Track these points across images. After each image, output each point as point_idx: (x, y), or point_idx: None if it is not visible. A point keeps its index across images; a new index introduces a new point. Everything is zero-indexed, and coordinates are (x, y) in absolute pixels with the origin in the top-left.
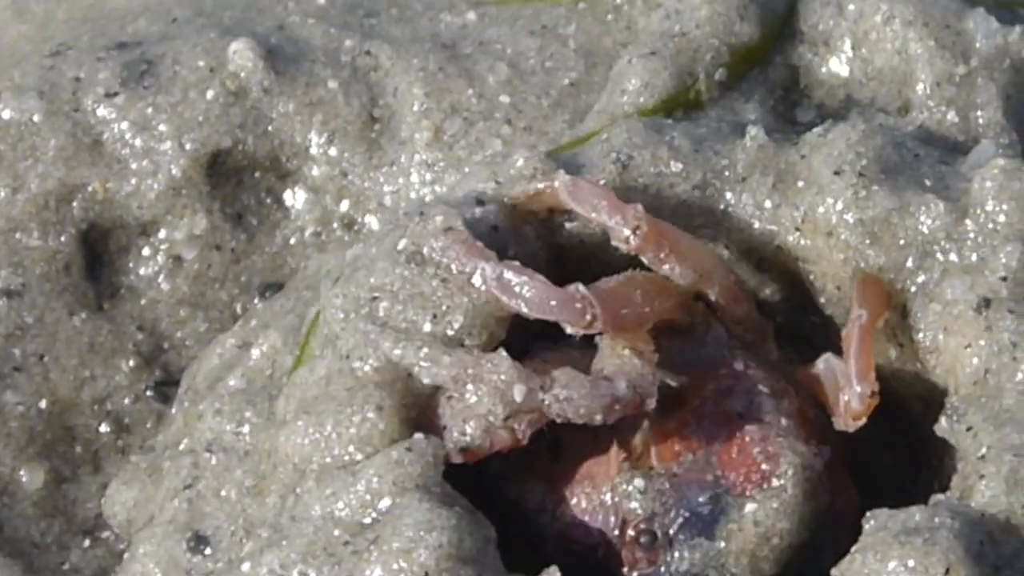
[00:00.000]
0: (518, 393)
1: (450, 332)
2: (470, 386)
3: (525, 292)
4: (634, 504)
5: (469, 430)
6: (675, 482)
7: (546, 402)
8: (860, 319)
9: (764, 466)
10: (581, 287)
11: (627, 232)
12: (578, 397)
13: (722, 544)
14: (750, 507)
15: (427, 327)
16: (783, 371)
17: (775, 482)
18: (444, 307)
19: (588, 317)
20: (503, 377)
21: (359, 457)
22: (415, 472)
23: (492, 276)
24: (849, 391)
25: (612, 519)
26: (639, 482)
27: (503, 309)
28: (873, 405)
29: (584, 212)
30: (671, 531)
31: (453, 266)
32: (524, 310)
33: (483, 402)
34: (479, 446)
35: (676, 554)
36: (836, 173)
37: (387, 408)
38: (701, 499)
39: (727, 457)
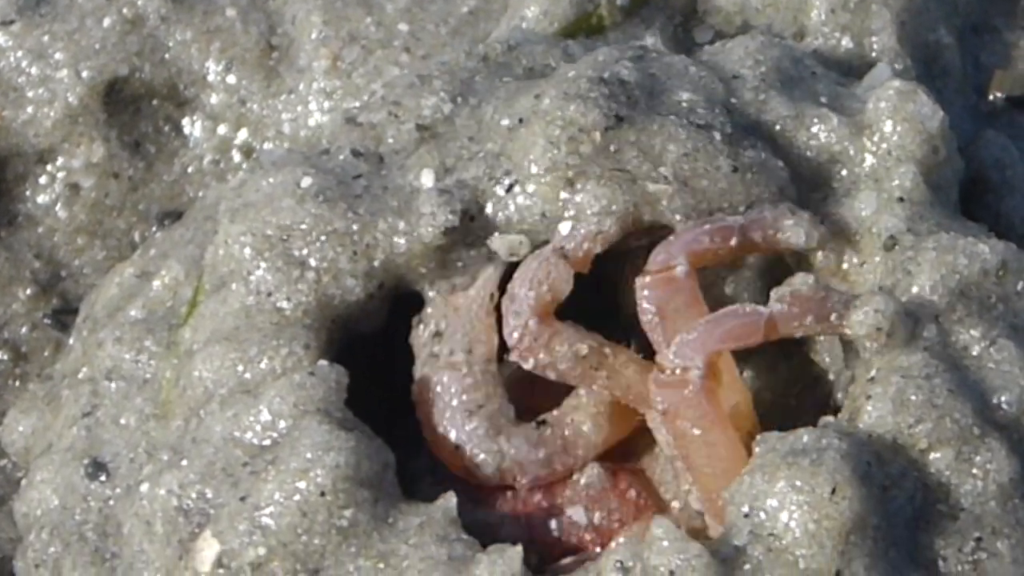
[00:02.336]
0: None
1: (375, 263)
2: None
3: None
4: None
5: None
6: None
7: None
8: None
9: None
10: None
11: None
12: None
13: None
14: None
15: (345, 264)
16: None
17: None
18: (364, 243)
19: None
20: None
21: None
22: (316, 396)
23: None
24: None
25: None
26: None
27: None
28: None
29: None
30: None
31: None
32: None
33: None
34: None
35: None
36: (734, 77)
37: (313, 348)
38: None
39: None
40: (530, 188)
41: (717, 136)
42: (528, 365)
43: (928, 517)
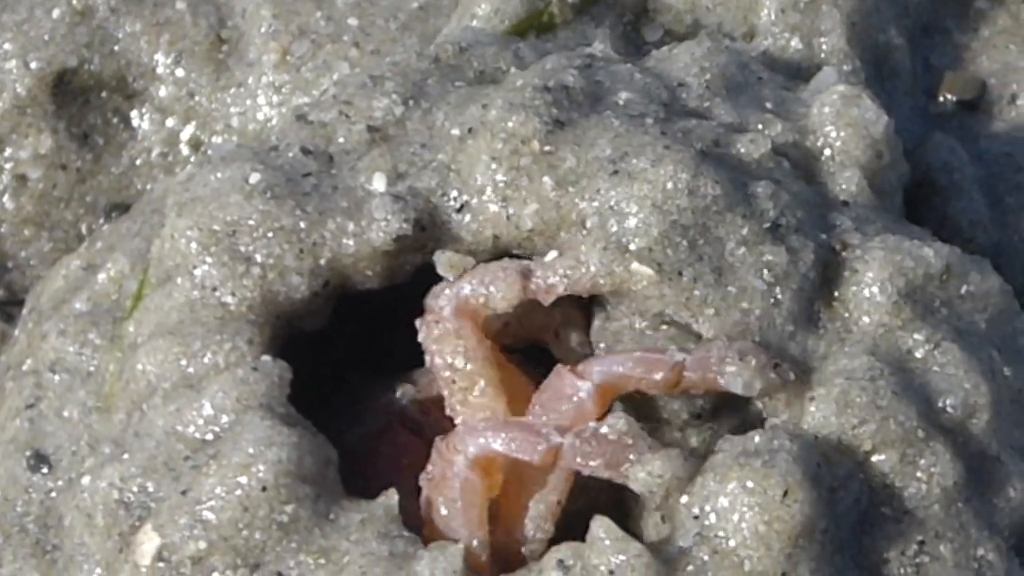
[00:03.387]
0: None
1: (322, 262)
2: None
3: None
4: None
5: None
6: None
7: None
8: None
9: None
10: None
11: None
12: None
13: None
14: None
15: (291, 261)
16: None
17: None
18: (311, 241)
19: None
20: None
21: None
22: (259, 391)
23: None
24: None
25: None
26: None
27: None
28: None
29: None
30: None
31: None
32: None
33: None
34: None
35: None
36: (680, 85)
37: (257, 344)
38: None
39: None
40: (476, 208)
41: (649, 121)
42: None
43: (872, 520)
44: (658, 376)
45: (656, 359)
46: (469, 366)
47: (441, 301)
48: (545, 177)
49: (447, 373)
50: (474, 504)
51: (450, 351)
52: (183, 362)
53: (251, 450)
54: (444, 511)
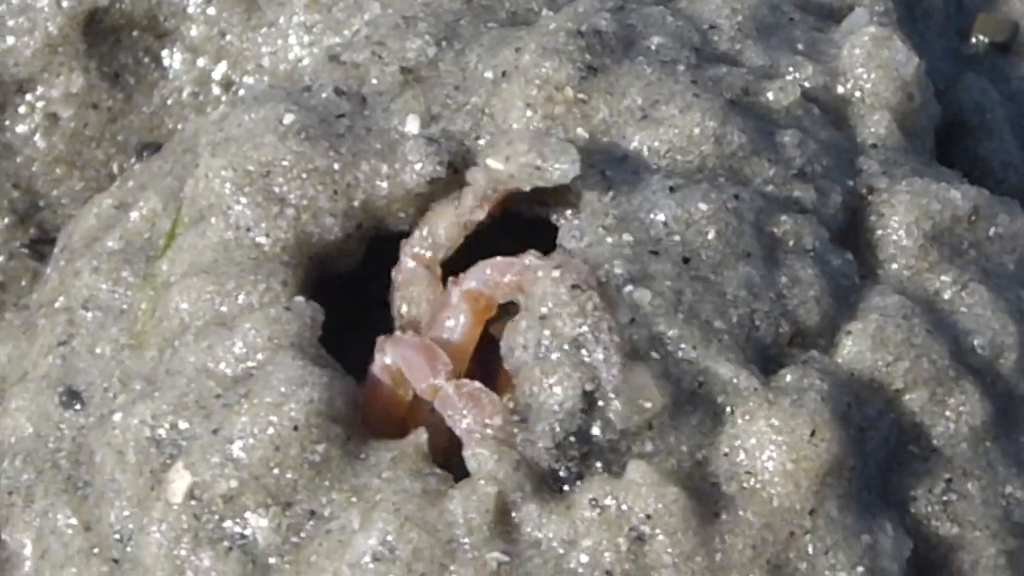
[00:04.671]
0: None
1: (355, 204)
2: None
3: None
4: None
5: None
6: None
7: None
8: None
9: None
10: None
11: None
12: None
13: None
14: None
15: (324, 203)
16: None
17: None
18: (345, 183)
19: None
20: None
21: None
22: (291, 331)
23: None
24: None
25: None
26: None
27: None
28: None
29: None
30: None
31: None
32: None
33: None
34: None
35: None
36: (711, 27)
37: (290, 285)
38: None
39: None
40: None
41: (681, 67)
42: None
43: (901, 458)
44: (507, 278)
45: (508, 262)
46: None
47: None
48: (579, 129)
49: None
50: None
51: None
52: (216, 301)
53: (283, 389)
54: None
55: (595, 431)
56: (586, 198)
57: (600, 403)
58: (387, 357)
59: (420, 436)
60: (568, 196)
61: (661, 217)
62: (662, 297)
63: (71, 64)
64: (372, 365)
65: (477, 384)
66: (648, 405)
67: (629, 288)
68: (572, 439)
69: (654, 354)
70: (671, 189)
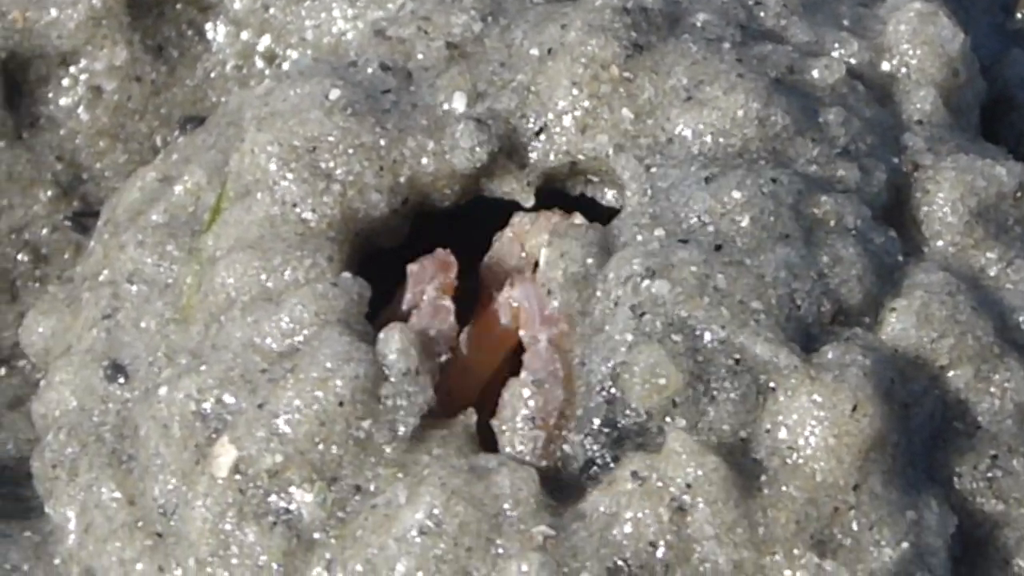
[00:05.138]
0: None
1: (401, 180)
2: None
3: None
4: None
5: None
6: None
7: None
8: None
9: None
10: None
11: None
12: None
13: None
14: None
15: (370, 179)
16: None
17: None
18: (391, 159)
19: None
20: None
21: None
22: (338, 307)
23: None
24: None
25: None
26: None
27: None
28: None
29: None
30: None
31: None
32: None
33: None
34: None
35: None
36: (757, 3)
37: (336, 261)
38: None
39: None
40: (555, 132)
41: (727, 45)
42: None
43: (945, 435)
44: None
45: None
46: None
47: None
48: (624, 109)
49: None
50: None
51: None
52: (263, 276)
53: (329, 364)
54: None
55: (620, 419)
56: (627, 196)
57: (619, 394)
58: (515, 293)
59: (470, 417)
60: (613, 177)
61: (695, 210)
62: (683, 284)
63: (115, 37)
64: (491, 299)
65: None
66: (663, 382)
67: (646, 283)
68: (602, 427)
69: (674, 336)
70: (706, 180)
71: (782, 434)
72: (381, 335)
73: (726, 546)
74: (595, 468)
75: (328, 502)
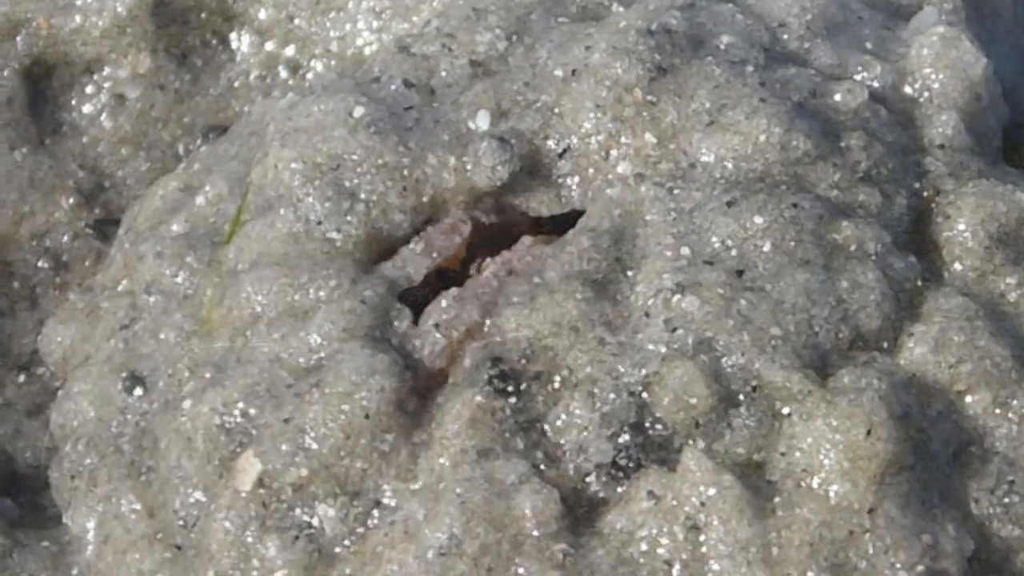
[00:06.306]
0: None
1: (424, 199)
2: None
3: None
4: None
5: None
6: None
7: None
8: None
9: None
10: None
11: None
12: None
13: None
14: None
15: (394, 199)
16: None
17: None
18: (414, 178)
19: None
20: None
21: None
22: (365, 323)
23: None
24: None
25: None
26: None
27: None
28: None
29: None
30: None
31: None
32: None
33: None
34: None
35: None
36: (780, 25)
37: (360, 283)
38: None
39: None
40: (579, 155)
41: (750, 68)
42: None
43: (963, 459)
44: None
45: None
46: None
47: None
48: (647, 134)
49: None
50: None
51: None
52: (289, 292)
53: (354, 378)
54: None
55: (647, 426)
56: (650, 220)
57: (649, 400)
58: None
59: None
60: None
61: (718, 234)
62: (711, 304)
63: (139, 45)
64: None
65: None
66: (694, 401)
67: (677, 298)
68: (627, 430)
69: (703, 357)
70: (728, 204)
71: (797, 456)
72: None
73: (740, 565)
74: (618, 471)
75: (350, 517)
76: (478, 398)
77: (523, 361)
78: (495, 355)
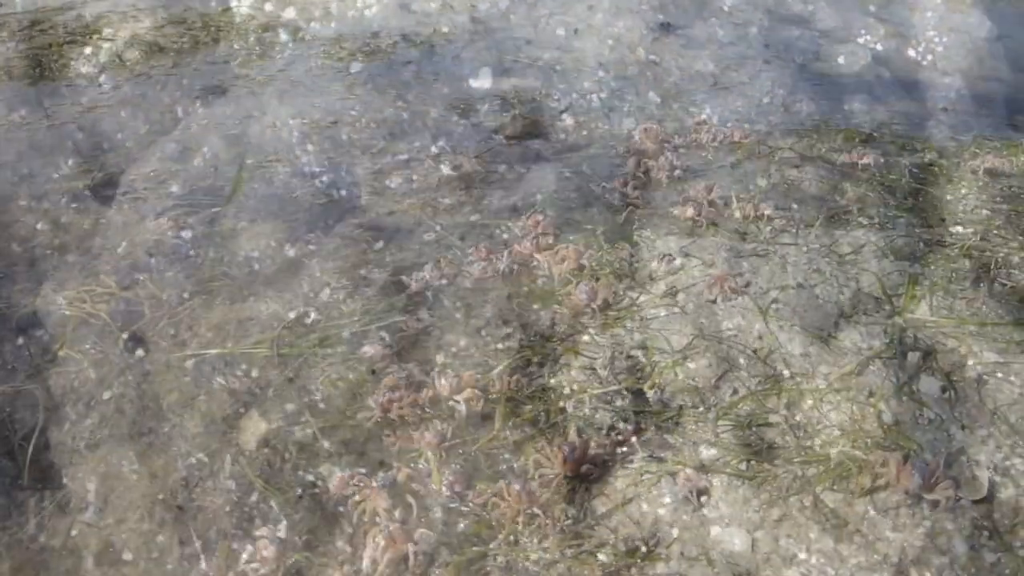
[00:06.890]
0: None
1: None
2: None
3: None
4: None
5: None
6: None
7: None
8: None
9: None
10: None
11: None
12: None
13: None
14: None
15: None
16: None
17: None
18: (410, 131)
19: None
20: None
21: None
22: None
23: None
24: None
25: None
26: None
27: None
28: None
29: None
30: None
31: None
32: None
33: None
34: None
35: None
36: None
37: (361, 233)
38: None
39: None
40: (580, 112)
41: (753, 30)
42: None
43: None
44: None
45: None
46: None
47: None
48: (651, 92)
49: None
50: None
51: None
52: (287, 247)
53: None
54: None
55: (644, 389)
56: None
57: (646, 363)
58: None
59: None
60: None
61: (721, 196)
62: (713, 268)
63: (138, 6)
64: None
65: None
66: (692, 365)
67: (679, 261)
68: (627, 392)
69: (703, 320)
70: (731, 166)
71: (798, 419)
72: None
73: (741, 525)
74: (616, 434)
75: (354, 477)
76: None
77: None
78: None
